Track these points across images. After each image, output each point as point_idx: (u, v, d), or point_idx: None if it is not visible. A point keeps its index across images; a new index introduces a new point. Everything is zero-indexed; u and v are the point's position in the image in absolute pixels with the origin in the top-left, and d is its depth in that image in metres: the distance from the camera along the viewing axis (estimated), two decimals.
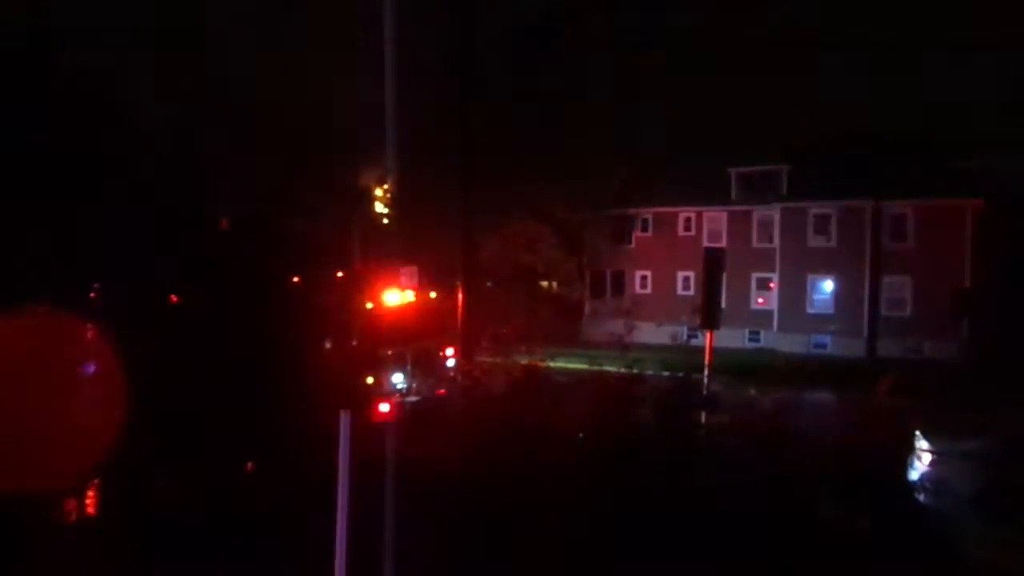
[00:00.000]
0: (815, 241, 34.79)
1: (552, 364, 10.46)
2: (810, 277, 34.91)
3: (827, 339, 33.83)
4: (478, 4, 17.61)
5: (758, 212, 36.07)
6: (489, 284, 33.97)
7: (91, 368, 7.82)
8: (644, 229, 39.33)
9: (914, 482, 11.28)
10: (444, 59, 18.06)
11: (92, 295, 9.28)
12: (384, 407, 12.52)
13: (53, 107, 10.58)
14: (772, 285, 35.71)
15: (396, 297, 15.21)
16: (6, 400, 6.79)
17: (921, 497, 10.71)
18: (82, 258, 9.36)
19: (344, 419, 6.36)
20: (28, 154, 9.75)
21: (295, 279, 14.15)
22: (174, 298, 10.36)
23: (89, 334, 8.15)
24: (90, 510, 8.43)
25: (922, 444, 11.81)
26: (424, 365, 14.99)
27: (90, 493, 8.43)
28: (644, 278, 39.07)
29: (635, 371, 9.88)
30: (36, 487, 6.76)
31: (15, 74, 10.49)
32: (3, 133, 9.79)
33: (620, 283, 39.44)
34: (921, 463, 11.69)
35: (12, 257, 8.59)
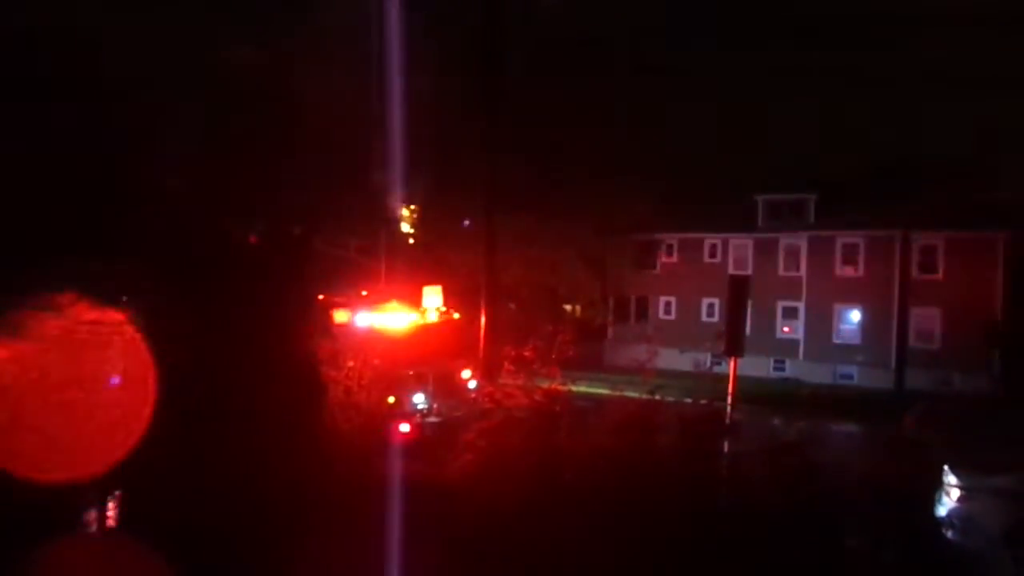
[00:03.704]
0: (842, 270, 34.46)
1: (574, 388, 10.40)
2: (837, 306, 34.54)
3: (853, 370, 33.38)
4: (506, 27, 17.72)
5: (785, 240, 35.83)
6: (512, 306, 33.97)
7: (117, 380, 7.92)
8: (669, 254, 39.18)
9: (942, 518, 11.04)
10: (472, 81, 18.20)
11: (121, 308, 9.39)
12: (404, 427, 12.55)
13: (88, 123, 10.78)
14: (798, 313, 35.37)
15: (419, 317, 15.27)
16: (38, 402, 6.95)
17: (949, 533, 10.48)
18: (112, 274, 9.50)
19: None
20: (62, 173, 9.94)
21: (320, 296, 14.23)
22: (201, 312, 10.44)
23: (116, 347, 8.26)
24: (111, 521, 8.48)
25: (951, 479, 11.54)
26: (445, 386, 14.99)
27: (111, 504, 8.48)
28: (668, 304, 38.87)
29: (657, 397, 9.80)
30: (60, 480, 6.88)
31: (60, 88, 10.71)
32: (42, 150, 10.00)
33: (644, 308, 39.25)
34: (949, 498, 11.42)
35: (40, 273, 8.74)
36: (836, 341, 34.43)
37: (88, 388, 8.04)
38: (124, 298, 9.61)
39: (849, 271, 34.30)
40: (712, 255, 37.65)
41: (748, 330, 12.48)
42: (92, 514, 8.39)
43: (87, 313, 8.36)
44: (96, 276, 8.94)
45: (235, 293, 10.00)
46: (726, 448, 9.65)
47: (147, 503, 8.47)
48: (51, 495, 7.24)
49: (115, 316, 8.91)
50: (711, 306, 36.02)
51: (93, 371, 8.25)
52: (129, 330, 8.60)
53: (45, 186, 9.73)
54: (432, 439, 12.02)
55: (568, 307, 40.16)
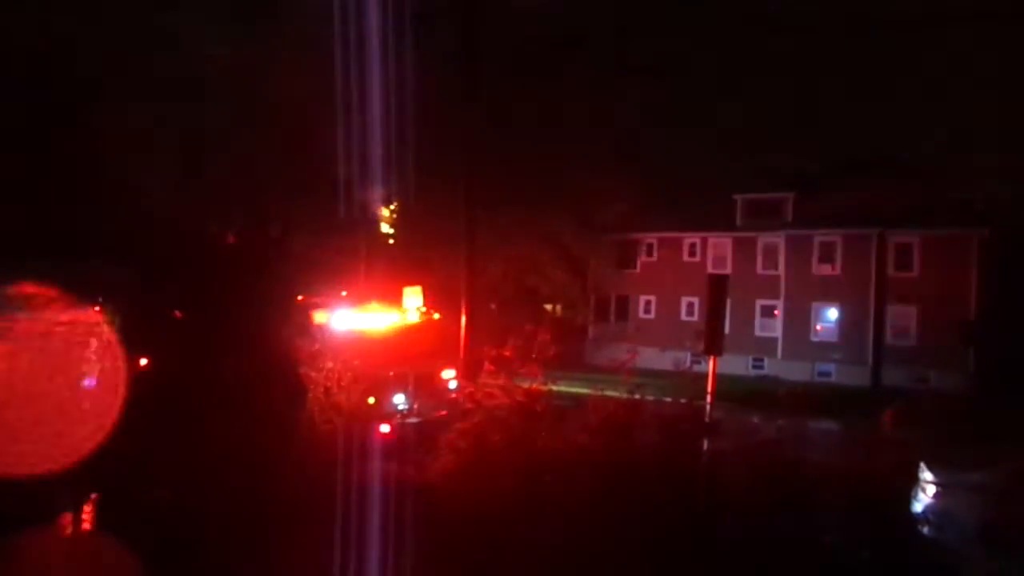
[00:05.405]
0: (820, 269, 34.74)
1: (554, 388, 10.41)
2: (815, 305, 34.82)
3: (831, 367, 33.67)
4: (483, 25, 17.71)
5: (763, 239, 36.07)
6: (493, 306, 33.95)
7: (92, 381, 7.84)
8: (649, 254, 39.33)
9: (918, 514, 11.16)
10: (451, 80, 18.17)
11: (97, 309, 9.30)
12: (385, 428, 12.51)
13: (65, 127, 10.68)
14: (776, 312, 35.63)
15: (399, 317, 15.24)
16: (11, 400, 6.87)
17: (925, 529, 10.59)
18: (91, 275, 9.41)
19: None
20: (46, 177, 9.85)
21: (299, 297, 14.15)
22: (178, 313, 10.37)
23: (92, 348, 8.18)
24: (86, 525, 8.39)
25: (926, 475, 11.67)
26: (426, 386, 14.94)
27: (87, 508, 8.39)
28: (648, 303, 39.02)
29: (638, 397, 9.84)
30: (35, 476, 6.82)
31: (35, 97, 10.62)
32: (24, 153, 9.90)
33: (624, 307, 39.36)
34: (925, 495, 11.55)
35: (23, 272, 8.64)
36: (814, 339, 34.71)
37: (63, 388, 7.95)
38: (100, 299, 9.52)
39: (826, 269, 34.60)
40: (692, 254, 37.84)
41: (727, 329, 12.54)
42: (68, 515, 8.30)
43: (63, 314, 8.27)
44: (72, 277, 8.85)
45: (213, 293, 9.93)
46: (706, 447, 9.70)
47: (122, 503, 8.39)
48: (25, 493, 7.16)
49: (91, 317, 8.83)
50: (691, 305, 36.20)
51: (68, 371, 8.17)
52: (105, 331, 8.53)
53: (21, 188, 9.62)
54: (412, 440, 11.97)
55: (549, 307, 40.19)
